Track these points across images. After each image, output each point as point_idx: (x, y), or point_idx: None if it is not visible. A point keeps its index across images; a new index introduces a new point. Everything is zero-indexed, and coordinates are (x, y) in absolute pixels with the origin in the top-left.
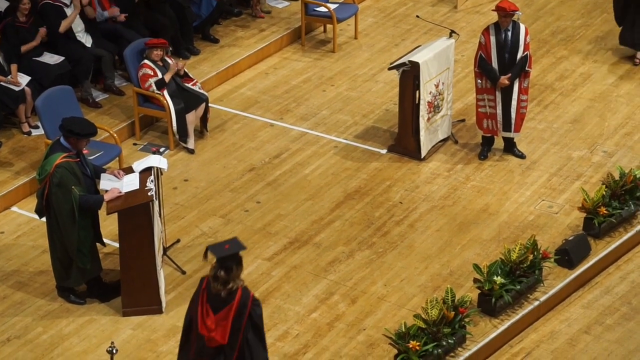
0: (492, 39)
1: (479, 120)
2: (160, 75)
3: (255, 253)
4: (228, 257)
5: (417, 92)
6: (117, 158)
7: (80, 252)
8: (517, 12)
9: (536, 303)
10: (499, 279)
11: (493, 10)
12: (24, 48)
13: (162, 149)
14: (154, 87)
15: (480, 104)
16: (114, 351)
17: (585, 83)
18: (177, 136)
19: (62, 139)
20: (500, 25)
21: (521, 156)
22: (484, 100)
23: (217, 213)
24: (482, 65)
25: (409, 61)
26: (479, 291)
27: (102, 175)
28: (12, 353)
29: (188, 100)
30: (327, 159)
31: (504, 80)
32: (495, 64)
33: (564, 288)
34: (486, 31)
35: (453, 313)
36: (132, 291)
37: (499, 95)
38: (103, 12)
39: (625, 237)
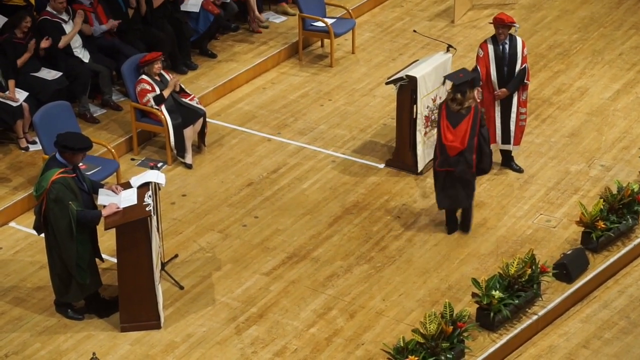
0: (491, 52)
1: None
2: (158, 90)
3: (254, 268)
4: (462, 83)
5: (415, 106)
6: (115, 173)
7: (79, 267)
8: (514, 25)
9: (534, 317)
10: (497, 293)
11: (490, 22)
12: (19, 61)
13: (159, 164)
14: (153, 103)
15: None
16: None
17: (582, 97)
18: (175, 151)
19: (57, 155)
20: (498, 38)
21: (519, 170)
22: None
23: (215, 228)
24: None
25: (407, 76)
26: (477, 305)
27: (100, 190)
28: None
29: (186, 115)
30: (325, 174)
31: (499, 93)
32: (494, 77)
33: (562, 302)
34: (484, 44)
35: (451, 327)
36: (130, 306)
37: (498, 108)
38: (100, 26)
39: (623, 251)
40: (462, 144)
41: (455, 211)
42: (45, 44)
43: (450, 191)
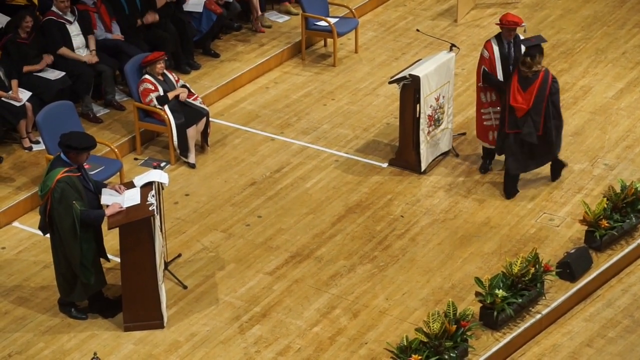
0: (496, 52)
1: (483, 132)
2: (161, 90)
3: (257, 267)
4: (532, 46)
5: (418, 105)
6: (118, 173)
7: (83, 267)
8: (523, 25)
9: (538, 316)
10: (500, 292)
11: (502, 24)
12: (26, 69)
13: (163, 164)
14: (156, 102)
15: (486, 117)
16: None
17: (586, 96)
18: (178, 151)
19: (62, 155)
20: (504, 38)
21: None
22: (489, 114)
23: (219, 227)
24: (487, 79)
25: (410, 75)
26: (480, 304)
27: (103, 190)
28: None
29: (189, 114)
30: (328, 173)
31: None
32: (500, 77)
33: (565, 301)
34: (489, 44)
35: (455, 326)
36: (134, 306)
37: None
38: (106, 33)
39: (626, 250)
40: (527, 105)
41: (517, 177)
42: (47, 60)
43: (520, 156)
